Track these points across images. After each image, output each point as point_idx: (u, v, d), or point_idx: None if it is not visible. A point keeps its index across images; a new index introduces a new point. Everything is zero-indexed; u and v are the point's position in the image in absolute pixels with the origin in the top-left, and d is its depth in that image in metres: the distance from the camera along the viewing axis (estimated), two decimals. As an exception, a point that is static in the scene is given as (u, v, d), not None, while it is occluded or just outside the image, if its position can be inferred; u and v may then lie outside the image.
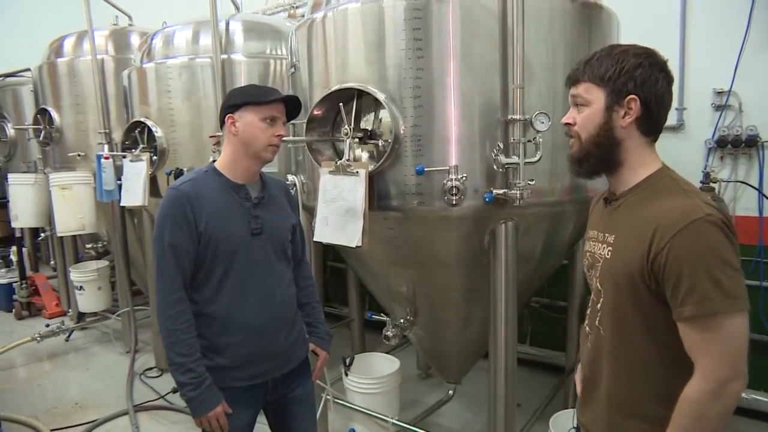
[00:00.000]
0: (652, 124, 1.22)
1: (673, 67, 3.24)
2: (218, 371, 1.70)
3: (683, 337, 1.11)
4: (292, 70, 2.54)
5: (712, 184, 2.93)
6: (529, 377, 3.64)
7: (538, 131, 1.88)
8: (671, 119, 3.09)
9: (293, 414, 1.92)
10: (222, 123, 1.74)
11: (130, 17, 4.80)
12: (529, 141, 1.92)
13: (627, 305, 1.19)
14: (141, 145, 3.42)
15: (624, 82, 1.18)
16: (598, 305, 1.28)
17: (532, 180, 1.94)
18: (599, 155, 1.24)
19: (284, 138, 2.34)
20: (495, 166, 1.97)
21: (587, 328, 1.35)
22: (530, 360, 3.72)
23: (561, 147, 2.16)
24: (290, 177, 2.49)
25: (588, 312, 1.34)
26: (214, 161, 1.78)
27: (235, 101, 1.70)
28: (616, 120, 1.20)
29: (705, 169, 3.02)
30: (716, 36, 2.99)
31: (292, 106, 1.78)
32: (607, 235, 1.26)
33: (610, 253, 1.23)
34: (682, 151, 3.08)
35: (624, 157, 1.23)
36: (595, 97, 1.22)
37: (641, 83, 1.18)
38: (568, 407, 2.88)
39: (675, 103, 3.06)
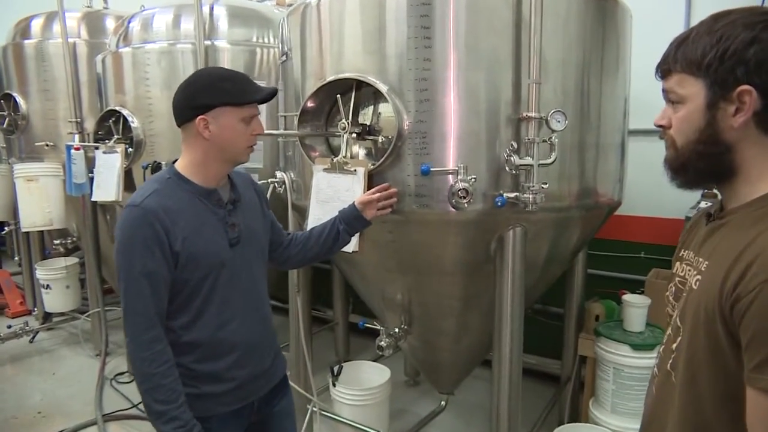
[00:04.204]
0: None
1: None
2: (205, 399, 1.51)
3: (747, 406, 0.85)
4: (284, 58, 2.35)
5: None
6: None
7: (554, 131, 1.74)
8: None
9: (276, 430, 1.76)
10: (184, 120, 1.46)
11: (105, 0, 4.52)
12: (544, 141, 1.78)
13: (704, 352, 0.91)
14: (116, 136, 3.18)
15: (730, 69, 0.85)
16: (674, 345, 1.01)
17: (546, 183, 1.79)
18: (701, 167, 0.93)
19: (275, 132, 2.15)
20: (507, 167, 1.82)
21: (655, 370, 1.10)
22: (523, 368, 3.60)
23: (570, 148, 2.03)
24: (279, 174, 2.31)
25: (660, 351, 1.09)
26: (174, 162, 1.53)
27: (209, 100, 1.42)
28: (723, 120, 0.88)
29: None
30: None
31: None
32: (701, 259, 0.97)
33: (698, 282, 0.95)
34: None
35: (739, 166, 0.91)
36: (692, 91, 0.90)
37: (757, 66, 0.84)
38: (564, 422, 2.77)
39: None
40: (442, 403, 2.86)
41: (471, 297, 2.27)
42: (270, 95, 1.51)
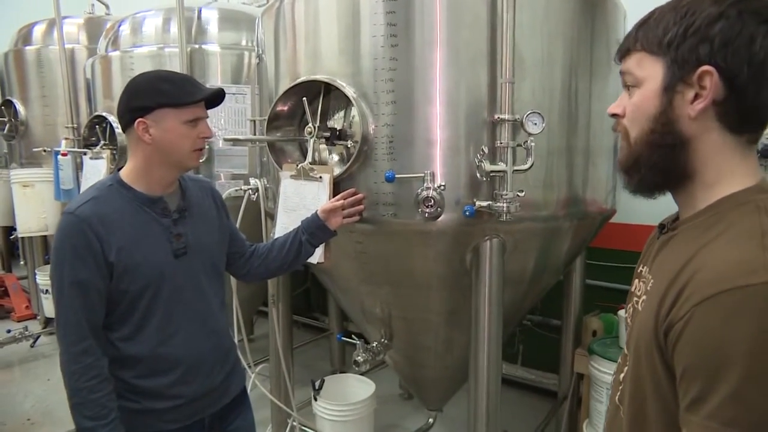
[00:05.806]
0: (743, 112, 0.75)
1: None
2: (147, 415, 1.44)
3: None
4: (257, 60, 2.27)
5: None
6: (518, 400, 3.36)
7: (529, 134, 1.60)
8: None
9: None
10: (125, 124, 1.40)
11: (107, 6, 4.53)
12: (519, 145, 1.65)
13: (646, 385, 0.79)
14: (102, 142, 3.15)
15: (692, 46, 0.74)
16: (622, 375, 0.89)
17: (522, 191, 1.66)
18: (655, 162, 0.79)
19: (240, 137, 2.06)
20: (479, 174, 1.70)
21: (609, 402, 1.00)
22: (520, 382, 3.45)
23: (556, 153, 1.90)
24: (252, 180, 2.22)
25: (612, 380, 0.99)
26: (119, 169, 1.46)
27: (146, 102, 1.35)
28: (680, 106, 0.76)
29: None
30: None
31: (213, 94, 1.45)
32: (650, 277, 0.85)
33: (643, 304, 0.83)
34: None
35: (695, 165, 0.78)
36: (650, 72, 0.78)
37: (721, 46, 0.72)
38: (560, 440, 2.61)
39: None
40: (430, 420, 2.72)
41: (452, 312, 2.14)
42: (215, 96, 1.43)
